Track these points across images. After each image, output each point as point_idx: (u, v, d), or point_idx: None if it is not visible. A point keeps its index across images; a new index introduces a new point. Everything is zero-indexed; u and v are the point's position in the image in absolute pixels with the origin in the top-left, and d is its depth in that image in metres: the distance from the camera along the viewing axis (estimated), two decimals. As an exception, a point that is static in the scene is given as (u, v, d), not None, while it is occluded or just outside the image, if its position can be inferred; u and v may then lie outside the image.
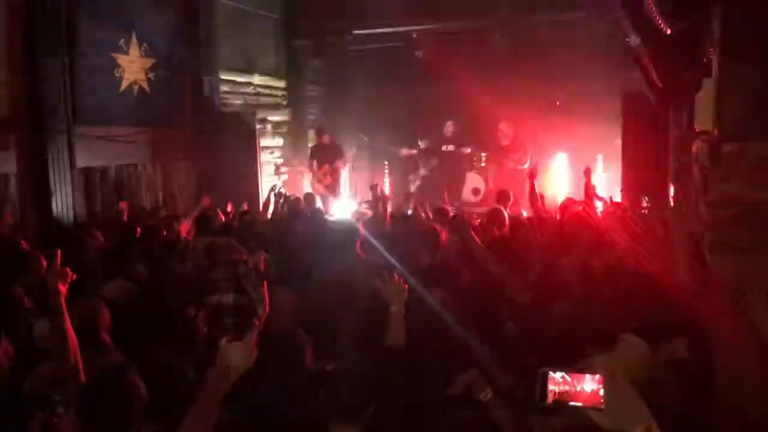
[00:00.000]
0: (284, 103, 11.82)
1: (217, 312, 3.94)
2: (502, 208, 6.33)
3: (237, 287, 3.94)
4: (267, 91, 11.35)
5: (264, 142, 10.48)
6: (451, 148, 11.20)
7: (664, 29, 3.54)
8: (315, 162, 10.80)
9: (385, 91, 11.86)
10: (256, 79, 11.00)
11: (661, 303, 3.27)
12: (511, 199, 7.30)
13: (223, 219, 6.92)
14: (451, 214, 6.52)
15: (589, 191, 6.33)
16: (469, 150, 11.08)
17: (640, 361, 2.61)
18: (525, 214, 7.25)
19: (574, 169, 10.13)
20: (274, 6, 11.23)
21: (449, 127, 11.22)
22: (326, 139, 10.86)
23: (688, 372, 2.70)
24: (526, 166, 10.02)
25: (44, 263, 4.23)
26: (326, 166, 10.68)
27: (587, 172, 6.58)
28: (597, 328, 2.91)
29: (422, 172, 11.34)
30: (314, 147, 11.10)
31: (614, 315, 3.06)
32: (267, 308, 3.86)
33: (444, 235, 5.17)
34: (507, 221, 5.94)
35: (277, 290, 4.14)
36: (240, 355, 2.18)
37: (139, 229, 5.77)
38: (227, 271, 3.97)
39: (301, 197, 8.45)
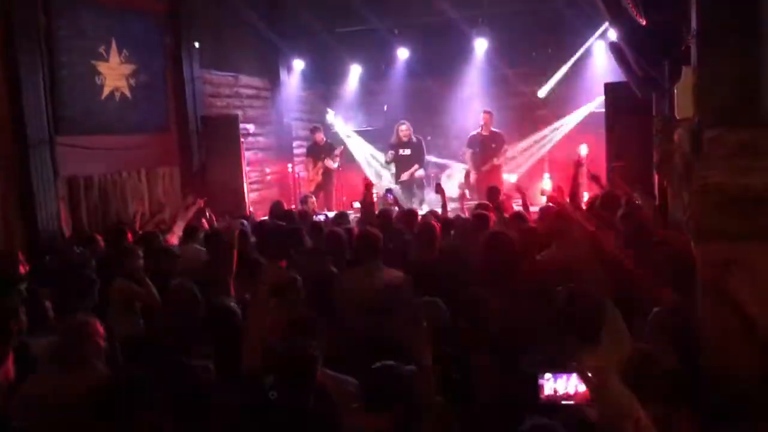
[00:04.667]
0: (269, 103, 11.79)
1: None
2: (489, 204, 6.33)
3: None
4: (251, 92, 11.31)
5: (248, 143, 10.48)
6: (407, 152, 10.42)
7: (639, 20, 3.57)
8: (311, 160, 11.04)
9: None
10: (241, 81, 10.96)
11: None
12: (501, 194, 7.27)
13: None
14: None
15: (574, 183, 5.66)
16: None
17: (622, 354, 2.64)
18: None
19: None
20: (258, 6, 11.14)
21: (404, 131, 10.41)
22: (320, 138, 11.06)
23: (678, 333, 2.77)
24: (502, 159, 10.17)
25: None
26: (319, 164, 10.89)
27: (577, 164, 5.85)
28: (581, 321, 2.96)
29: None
30: (310, 145, 11.26)
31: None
32: None
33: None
34: (495, 216, 5.93)
35: None
36: None
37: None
38: None
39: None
